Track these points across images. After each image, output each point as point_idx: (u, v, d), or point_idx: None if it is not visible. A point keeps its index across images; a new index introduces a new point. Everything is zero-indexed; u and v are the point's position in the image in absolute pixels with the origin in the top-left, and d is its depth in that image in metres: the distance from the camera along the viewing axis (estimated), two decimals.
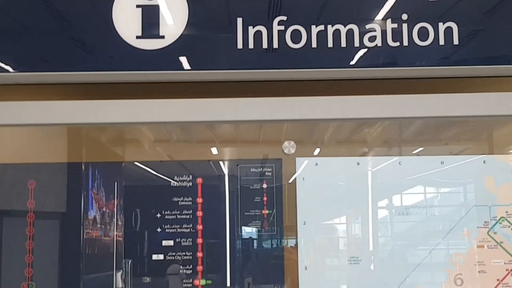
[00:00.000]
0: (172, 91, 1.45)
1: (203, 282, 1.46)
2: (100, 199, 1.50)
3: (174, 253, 1.47)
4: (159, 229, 1.47)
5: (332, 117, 1.45)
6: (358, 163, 1.51)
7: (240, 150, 1.56)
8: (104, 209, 1.50)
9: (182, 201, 1.49)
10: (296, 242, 1.47)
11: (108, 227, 1.50)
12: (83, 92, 1.46)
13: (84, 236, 1.48)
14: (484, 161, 1.50)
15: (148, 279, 1.49)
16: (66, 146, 1.55)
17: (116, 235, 1.48)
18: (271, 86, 1.44)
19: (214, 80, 1.43)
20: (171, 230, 1.48)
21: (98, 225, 1.51)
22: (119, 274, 1.44)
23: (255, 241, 1.51)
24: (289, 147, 1.50)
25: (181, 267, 1.46)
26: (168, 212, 1.48)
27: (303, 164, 1.50)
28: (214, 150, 1.56)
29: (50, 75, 1.40)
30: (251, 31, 1.36)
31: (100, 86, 1.45)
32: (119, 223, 1.49)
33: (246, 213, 1.49)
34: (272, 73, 1.39)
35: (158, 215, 1.48)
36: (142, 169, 1.52)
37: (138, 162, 1.52)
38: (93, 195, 1.51)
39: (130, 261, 1.44)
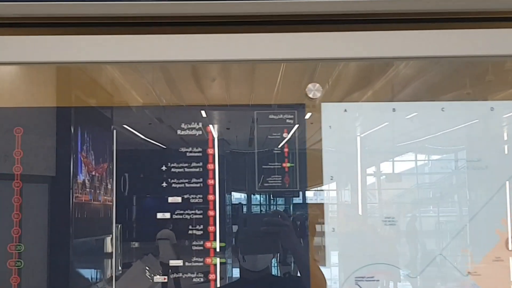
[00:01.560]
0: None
1: (215, 244, 1.27)
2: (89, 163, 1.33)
3: (182, 211, 1.28)
4: (164, 184, 1.28)
5: (362, 56, 1.25)
6: (394, 109, 1.30)
7: (256, 93, 1.35)
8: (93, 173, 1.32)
9: (190, 152, 1.29)
10: (322, 199, 1.28)
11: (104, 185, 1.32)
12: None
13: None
14: None
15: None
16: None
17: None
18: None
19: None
20: (178, 185, 1.29)
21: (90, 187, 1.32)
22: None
23: (274, 198, 1.32)
24: (313, 90, 1.29)
25: (190, 227, 1.27)
26: (175, 164, 1.29)
27: (329, 110, 1.30)
28: (226, 94, 1.36)
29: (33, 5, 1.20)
30: None
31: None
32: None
33: (264, 167, 1.29)
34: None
35: (164, 167, 1.29)
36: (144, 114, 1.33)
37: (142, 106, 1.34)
38: (82, 158, 1.33)
39: (120, 226, 1.30)
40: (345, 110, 1.30)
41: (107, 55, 1.25)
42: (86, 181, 1.35)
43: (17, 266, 1.29)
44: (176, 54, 1.25)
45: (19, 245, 1.29)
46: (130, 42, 1.24)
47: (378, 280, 1.25)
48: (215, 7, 1.19)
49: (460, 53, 1.25)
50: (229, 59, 1.25)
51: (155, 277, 1.28)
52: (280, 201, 1.33)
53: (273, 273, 1.32)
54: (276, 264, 1.31)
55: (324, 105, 1.30)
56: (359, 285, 1.25)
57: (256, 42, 1.24)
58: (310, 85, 1.29)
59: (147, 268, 1.40)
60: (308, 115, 1.30)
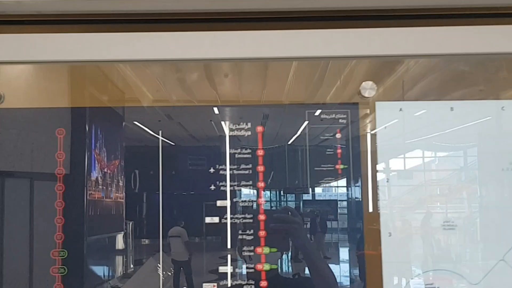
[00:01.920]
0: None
1: (266, 250, 1.22)
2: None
3: (231, 215, 1.22)
4: (212, 187, 1.23)
5: (417, 53, 1.20)
6: (452, 109, 1.24)
7: (307, 92, 1.30)
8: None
9: (239, 153, 1.24)
10: (378, 203, 1.22)
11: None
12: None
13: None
14: None
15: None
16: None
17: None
18: None
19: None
20: (226, 188, 1.23)
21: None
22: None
23: (327, 201, 1.26)
24: (368, 88, 1.24)
25: (240, 231, 1.22)
26: (223, 166, 1.24)
27: (384, 110, 1.24)
28: (276, 93, 1.30)
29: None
30: None
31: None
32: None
33: (316, 168, 1.24)
34: None
35: (212, 170, 1.24)
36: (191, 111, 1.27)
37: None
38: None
39: (131, 223, 1.27)
40: (401, 109, 1.24)
41: (122, 53, 1.20)
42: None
43: (60, 273, 1.24)
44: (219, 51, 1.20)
45: (63, 251, 1.24)
46: (143, 40, 1.20)
47: (438, 287, 1.19)
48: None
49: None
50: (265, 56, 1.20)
51: (204, 284, 1.22)
52: (332, 204, 1.28)
53: (282, 272, 1.25)
54: (287, 262, 1.25)
55: (378, 104, 1.24)
56: None
57: (286, 39, 1.19)
58: (364, 83, 1.23)
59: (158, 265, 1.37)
60: (361, 115, 1.25)
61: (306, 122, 1.25)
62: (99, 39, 1.20)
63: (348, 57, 1.22)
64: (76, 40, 1.20)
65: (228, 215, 1.22)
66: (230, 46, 1.19)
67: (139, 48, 1.19)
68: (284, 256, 1.25)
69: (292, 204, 1.25)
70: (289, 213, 1.23)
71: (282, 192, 1.26)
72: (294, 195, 1.26)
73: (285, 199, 1.26)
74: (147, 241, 1.33)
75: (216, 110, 1.28)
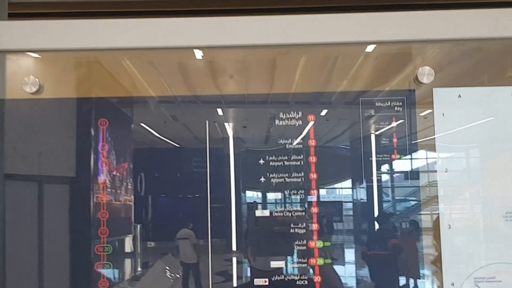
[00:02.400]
0: None
1: (319, 244, 1.17)
2: None
3: (282, 209, 1.18)
4: (262, 179, 1.18)
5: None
6: None
7: (361, 79, 1.24)
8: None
9: (290, 143, 1.19)
10: (436, 193, 1.17)
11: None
12: None
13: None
14: None
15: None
16: None
17: None
18: None
19: None
20: (277, 180, 1.18)
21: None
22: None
23: (380, 193, 1.21)
24: (425, 74, 1.17)
25: (292, 225, 1.17)
26: (274, 157, 1.18)
27: (442, 96, 1.18)
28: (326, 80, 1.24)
29: None
30: None
31: None
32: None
33: (370, 159, 1.18)
34: None
35: (261, 161, 1.19)
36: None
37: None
38: None
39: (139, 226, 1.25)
40: (459, 96, 1.18)
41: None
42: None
43: (105, 268, 1.20)
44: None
45: (107, 246, 1.20)
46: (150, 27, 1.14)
47: (500, 281, 1.15)
48: None
49: None
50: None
51: (255, 279, 1.18)
52: (387, 195, 1.23)
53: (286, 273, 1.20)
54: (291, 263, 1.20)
55: (436, 91, 1.18)
56: (478, 287, 1.15)
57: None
58: (421, 69, 1.17)
59: (167, 267, 1.34)
60: (418, 102, 1.19)
61: (359, 111, 1.19)
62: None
63: (402, 41, 1.17)
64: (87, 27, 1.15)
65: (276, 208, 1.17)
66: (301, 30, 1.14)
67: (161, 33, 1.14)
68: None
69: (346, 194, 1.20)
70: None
71: (333, 183, 1.21)
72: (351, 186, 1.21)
73: (338, 192, 1.21)
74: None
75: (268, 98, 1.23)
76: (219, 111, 1.24)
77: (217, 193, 1.21)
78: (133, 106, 1.26)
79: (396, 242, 1.19)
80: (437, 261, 1.16)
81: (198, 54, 1.21)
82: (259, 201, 1.21)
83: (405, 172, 1.18)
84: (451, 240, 1.15)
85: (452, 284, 1.15)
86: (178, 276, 1.34)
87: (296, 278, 1.16)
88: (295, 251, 1.17)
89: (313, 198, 1.17)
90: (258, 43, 1.15)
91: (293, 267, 1.17)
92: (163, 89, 1.28)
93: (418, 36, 1.15)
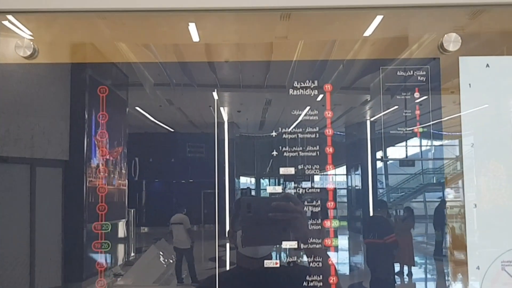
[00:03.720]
0: None
1: (335, 223, 1.09)
2: None
3: (295, 185, 1.09)
4: (275, 152, 1.10)
5: None
6: None
7: (381, 46, 1.15)
8: None
9: (305, 115, 1.10)
10: (459, 170, 1.09)
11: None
12: None
13: None
14: None
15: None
16: None
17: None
18: None
19: None
20: (290, 154, 1.10)
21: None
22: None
23: (402, 167, 1.13)
24: (451, 41, 1.09)
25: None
26: (286, 129, 1.10)
27: (469, 65, 1.10)
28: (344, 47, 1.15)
29: None
30: None
31: None
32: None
33: (392, 132, 1.10)
34: None
35: (274, 133, 1.10)
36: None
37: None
38: None
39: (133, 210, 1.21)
40: (487, 65, 1.10)
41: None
42: None
43: (103, 248, 1.11)
44: None
45: (106, 224, 1.11)
46: None
47: None
48: None
49: None
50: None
51: (265, 260, 1.09)
52: (408, 170, 1.14)
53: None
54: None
55: (462, 60, 1.09)
56: (506, 271, 1.07)
57: None
58: (447, 36, 1.08)
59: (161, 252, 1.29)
60: (443, 71, 1.10)
61: (380, 79, 1.10)
62: None
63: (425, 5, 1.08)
64: None
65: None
66: None
67: None
68: None
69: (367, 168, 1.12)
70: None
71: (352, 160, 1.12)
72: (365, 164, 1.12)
73: (356, 169, 1.13)
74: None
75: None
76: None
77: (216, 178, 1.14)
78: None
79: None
80: (461, 244, 1.08)
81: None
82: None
83: (430, 146, 1.10)
84: (477, 220, 1.07)
85: (478, 268, 1.07)
86: (171, 261, 1.29)
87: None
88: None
89: (329, 174, 1.09)
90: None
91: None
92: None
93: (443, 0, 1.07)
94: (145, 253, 1.32)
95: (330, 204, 1.08)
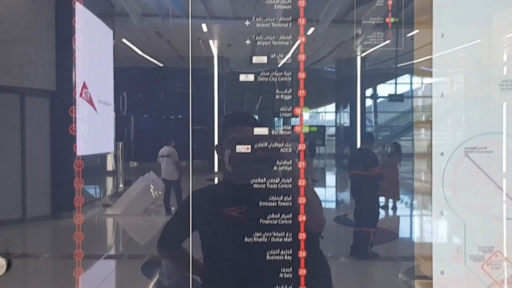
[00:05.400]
0: None
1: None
2: None
3: (267, 74, 1.11)
4: (248, 41, 1.11)
5: None
6: None
7: None
8: None
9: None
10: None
11: None
12: None
13: None
14: None
15: None
16: None
17: None
18: None
19: None
20: (263, 43, 1.11)
21: None
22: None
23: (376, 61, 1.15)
24: None
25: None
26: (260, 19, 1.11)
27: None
28: None
29: None
30: None
31: None
32: None
33: (364, 22, 1.11)
34: None
35: (247, 23, 1.11)
36: None
37: None
38: None
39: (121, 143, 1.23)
40: None
41: None
42: None
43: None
44: None
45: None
46: None
47: (491, 151, 1.10)
48: None
49: None
50: None
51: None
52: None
53: None
54: None
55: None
56: (469, 157, 1.11)
57: None
58: None
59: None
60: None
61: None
62: None
63: None
64: None
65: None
66: None
67: None
68: None
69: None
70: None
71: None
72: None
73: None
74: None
75: None
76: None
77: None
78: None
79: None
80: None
81: None
82: None
83: (399, 39, 1.11)
84: (444, 109, 1.11)
85: (442, 154, 1.11)
86: (159, 192, 1.33)
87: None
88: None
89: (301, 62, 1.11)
90: None
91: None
92: None
93: None
94: (133, 184, 1.36)
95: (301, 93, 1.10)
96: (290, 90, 1.09)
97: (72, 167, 1.19)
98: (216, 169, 1.20)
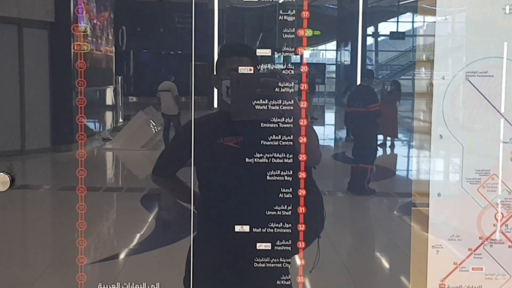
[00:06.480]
0: None
1: (309, 32, 1.08)
2: None
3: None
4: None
5: None
6: None
7: None
8: None
9: None
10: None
11: None
12: None
13: None
14: None
15: None
16: None
17: None
18: None
19: None
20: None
21: None
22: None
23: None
24: None
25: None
26: None
27: None
28: None
29: None
30: None
31: None
32: None
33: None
34: None
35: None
36: None
37: None
38: None
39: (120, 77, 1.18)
40: None
41: None
42: None
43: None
44: None
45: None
46: None
47: (492, 76, 1.11)
48: None
49: None
50: None
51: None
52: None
53: None
54: None
55: None
56: (469, 81, 1.11)
57: None
58: None
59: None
60: None
61: None
62: None
63: None
64: None
65: None
66: None
67: None
68: None
69: None
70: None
71: None
72: None
73: None
74: None
75: None
76: None
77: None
78: None
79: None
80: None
81: None
82: None
83: None
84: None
85: (443, 78, 1.11)
86: (159, 128, 1.32)
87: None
88: None
89: None
90: None
91: None
92: None
93: None
94: (133, 119, 1.33)
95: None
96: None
97: (72, 100, 1.18)
98: (215, 105, 1.20)
